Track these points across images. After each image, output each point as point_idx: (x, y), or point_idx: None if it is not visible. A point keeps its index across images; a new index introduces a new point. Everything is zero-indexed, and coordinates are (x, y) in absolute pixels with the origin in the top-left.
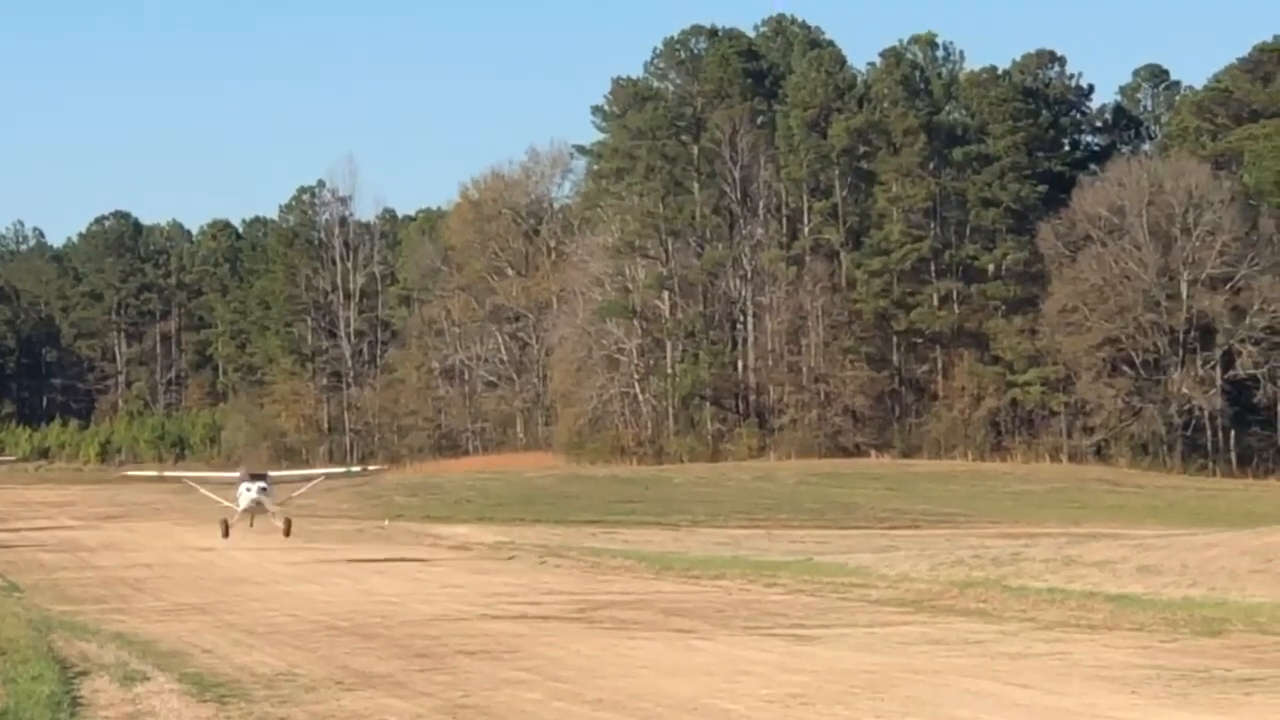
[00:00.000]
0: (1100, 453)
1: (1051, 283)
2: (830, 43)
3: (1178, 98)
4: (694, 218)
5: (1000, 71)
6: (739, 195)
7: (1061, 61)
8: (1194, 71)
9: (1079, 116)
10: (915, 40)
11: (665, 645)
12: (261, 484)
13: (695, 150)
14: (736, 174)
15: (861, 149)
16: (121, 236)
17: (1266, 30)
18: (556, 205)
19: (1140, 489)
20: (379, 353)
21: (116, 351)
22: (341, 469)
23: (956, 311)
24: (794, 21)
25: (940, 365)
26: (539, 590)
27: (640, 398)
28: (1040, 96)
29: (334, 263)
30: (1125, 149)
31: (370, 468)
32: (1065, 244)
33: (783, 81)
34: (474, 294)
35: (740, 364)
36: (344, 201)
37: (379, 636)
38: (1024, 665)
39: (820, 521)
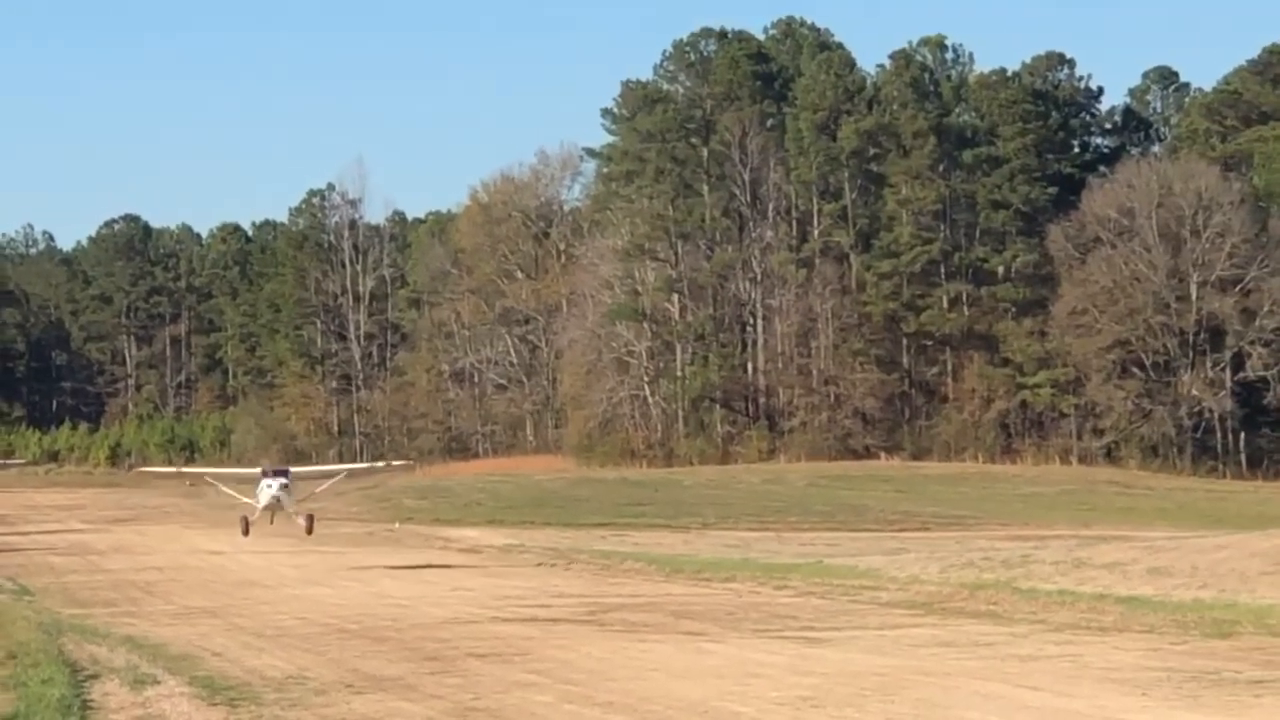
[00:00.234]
0: (1110, 455)
1: (1061, 285)
2: (839, 45)
3: (1187, 100)
4: (704, 220)
5: (1010, 73)
6: (749, 198)
7: (1071, 64)
8: (1203, 73)
9: (1088, 118)
10: (925, 42)
11: (675, 648)
12: (283, 480)
13: (705, 153)
14: (746, 176)
15: (871, 151)
16: (131, 240)
17: (1276, 32)
18: (566, 208)
19: (1150, 491)
20: (389, 355)
21: (126, 355)
22: (365, 464)
23: (966, 314)
24: (803, 24)
25: (950, 367)
26: (549, 593)
27: (650, 400)
28: (1050, 98)
29: (344, 266)
30: (1135, 151)
31: (395, 463)
32: (1075, 246)
33: (792, 84)
34: (484, 297)
35: (750, 366)
36: (354, 204)
37: (389, 639)
38: (1034, 667)
39: (830, 524)
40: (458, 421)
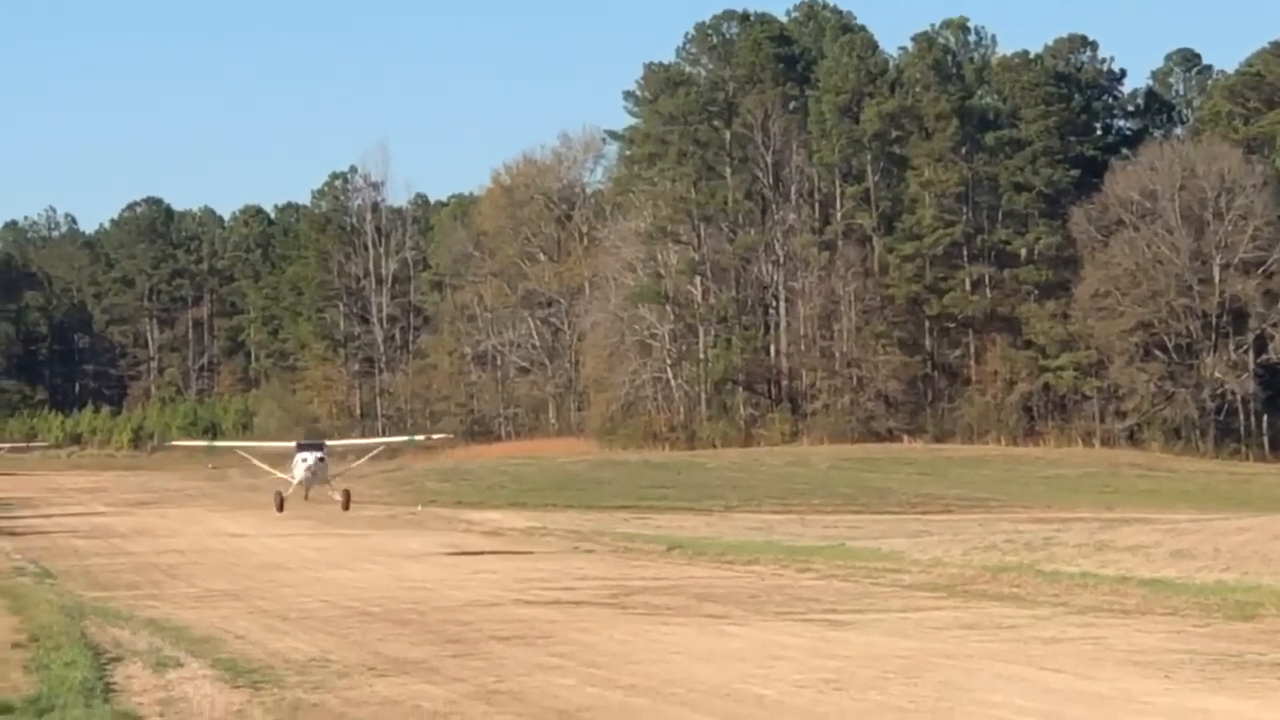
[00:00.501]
0: (1133, 437)
1: (1084, 267)
2: (862, 27)
3: (1210, 82)
4: (726, 203)
5: (1032, 56)
6: (771, 180)
7: (1093, 46)
8: (1226, 56)
9: (1111, 101)
10: (947, 25)
11: (698, 631)
12: (319, 454)
13: (727, 135)
14: (768, 159)
15: (893, 134)
16: (154, 222)
17: None
18: (589, 190)
19: (1173, 473)
20: (411, 338)
21: (149, 337)
22: (404, 437)
23: (989, 296)
24: (825, 6)
25: (973, 350)
26: (572, 576)
27: (673, 383)
28: (1072, 81)
29: (366, 248)
30: (1157, 133)
31: (434, 436)
32: (1097, 228)
33: (815, 66)
34: (506, 279)
35: (773, 349)
36: (376, 187)
37: (411, 622)
38: (1057, 650)
39: (853, 506)
40: (480, 404)
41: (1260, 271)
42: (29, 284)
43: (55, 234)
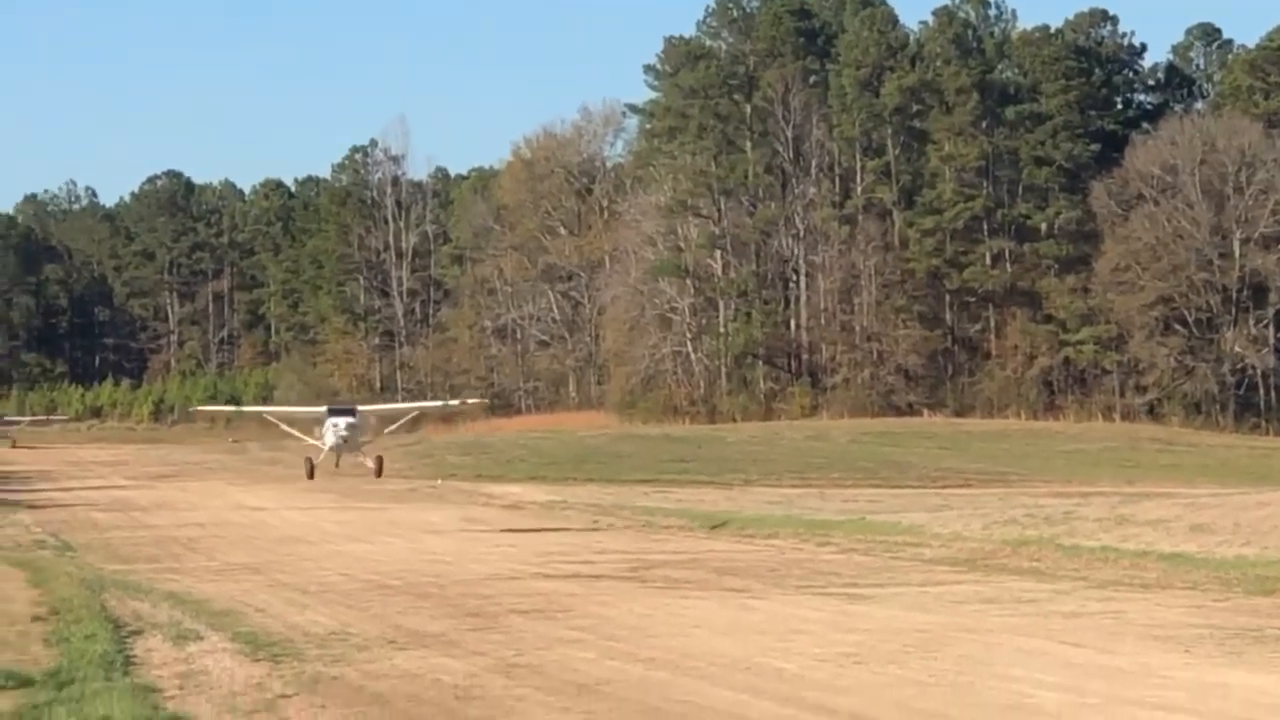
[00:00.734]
0: (1153, 412)
1: (1104, 241)
2: (882, 1)
3: (1230, 56)
4: (746, 177)
5: (1053, 30)
6: (791, 154)
7: (1114, 20)
8: (1246, 30)
9: (1131, 75)
10: None
11: (718, 604)
12: (350, 419)
13: (748, 109)
14: (789, 133)
15: (914, 108)
16: (174, 196)
17: None
18: (609, 164)
19: (1193, 448)
20: (431, 312)
21: (169, 311)
22: (438, 402)
23: (1009, 270)
24: None
25: (993, 324)
26: (591, 549)
27: (693, 357)
28: (1093, 55)
29: (386, 222)
30: (1178, 108)
31: (469, 400)
32: (1118, 203)
33: (835, 40)
34: (526, 253)
35: (793, 323)
36: (396, 161)
37: (431, 596)
38: (1077, 624)
39: (873, 480)
40: (500, 378)
41: None
42: (49, 257)
43: (75, 207)
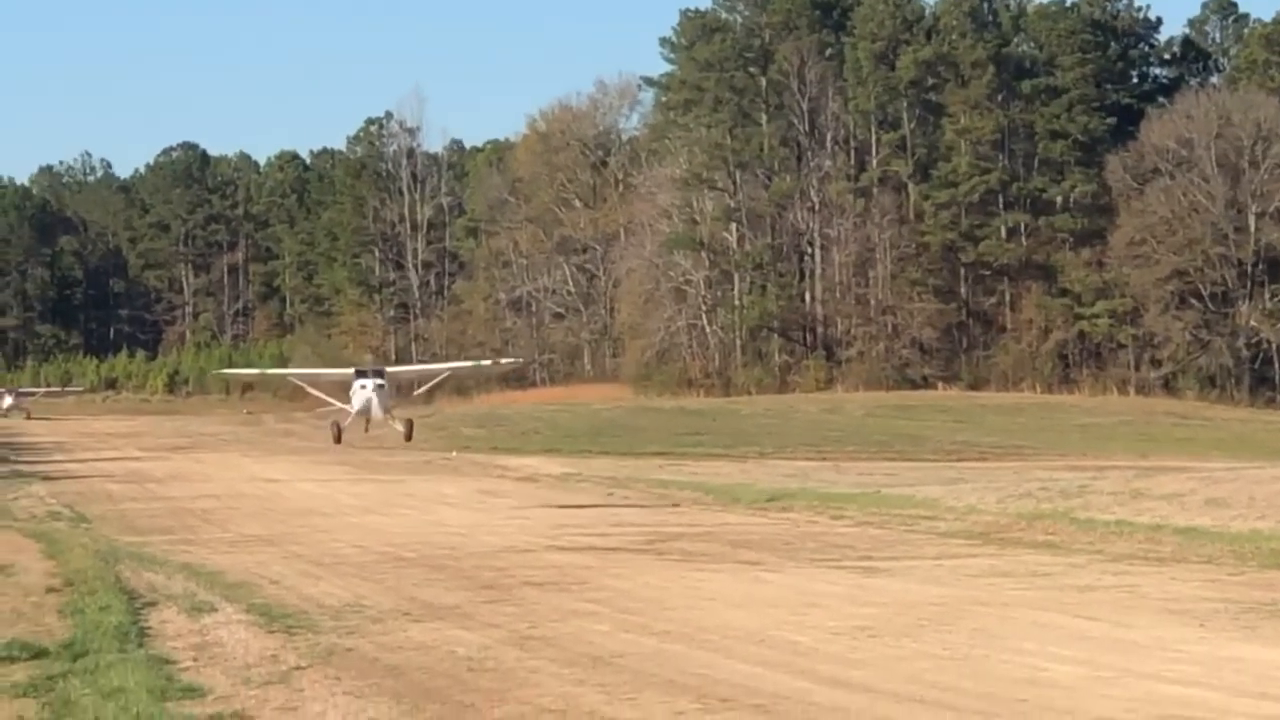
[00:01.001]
0: (1168, 385)
1: (1119, 215)
2: None
3: (1246, 30)
4: (761, 150)
5: (1068, 3)
6: (807, 127)
7: None
8: (1263, 4)
9: (1147, 49)
10: None
11: (733, 577)
12: (378, 381)
13: (763, 82)
14: (804, 106)
15: (929, 81)
16: (189, 167)
17: None
18: (624, 137)
19: (1208, 422)
20: (446, 284)
21: (184, 282)
22: (470, 362)
23: (1024, 244)
24: None
25: (1008, 298)
26: (607, 522)
27: (707, 330)
28: (1108, 29)
29: (401, 194)
30: (1194, 82)
31: (502, 360)
32: (1133, 176)
33: (851, 13)
34: (541, 225)
35: (808, 296)
36: (412, 133)
37: (446, 568)
38: (1091, 598)
39: (888, 453)
40: (515, 350)
41: None
42: (64, 228)
43: (90, 179)
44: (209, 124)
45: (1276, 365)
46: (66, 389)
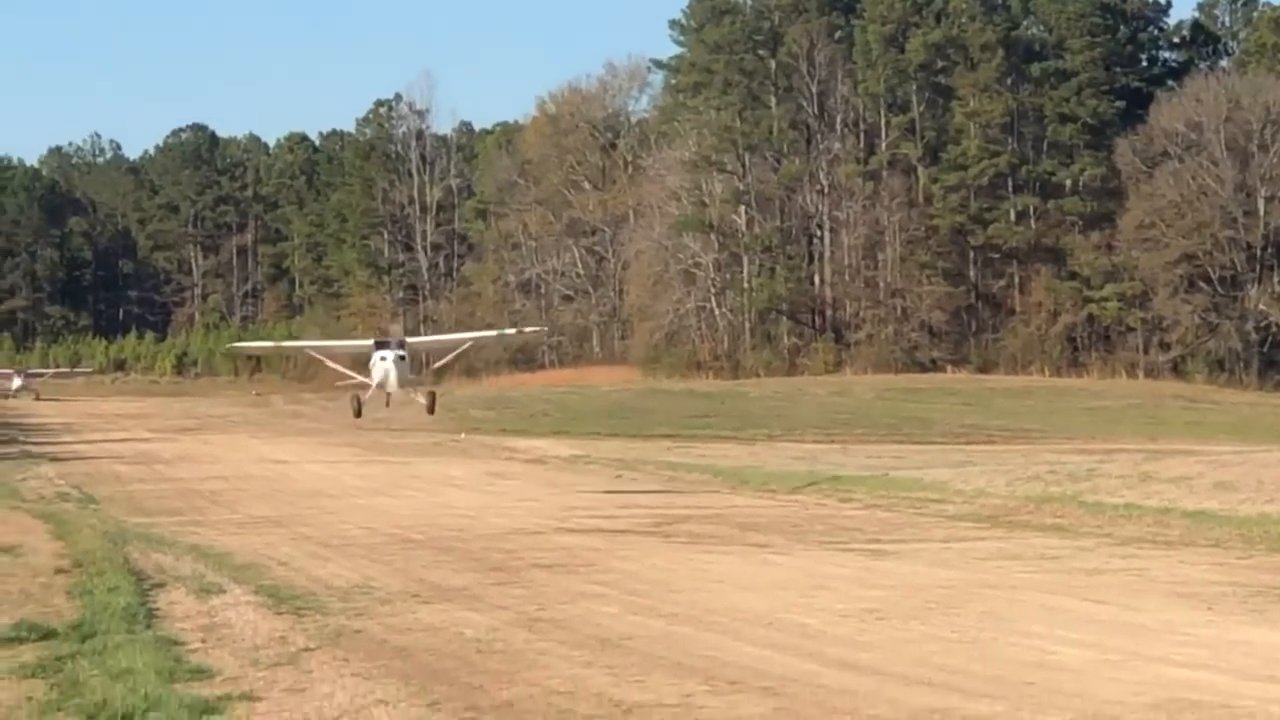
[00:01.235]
0: (1177, 369)
1: (1128, 198)
2: None
3: (1255, 14)
4: (771, 132)
5: None
6: (816, 110)
7: None
8: None
9: (1157, 32)
10: None
11: (741, 560)
12: (399, 352)
13: (773, 65)
14: (814, 89)
15: (939, 64)
16: (198, 149)
17: None
18: (633, 119)
19: (1216, 405)
20: (455, 266)
21: (193, 264)
22: (493, 332)
23: (1033, 227)
24: None
25: (1017, 281)
26: (615, 504)
27: (716, 312)
28: (1118, 12)
29: (411, 176)
30: (1203, 65)
31: (526, 329)
32: (1143, 160)
33: None
34: (550, 208)
35: (817, 279)
36: (421, 115)
37: (454, 550)
38: (1100, 581)
39: (896, 436)
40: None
41: None
42: (74, 210)
43: (100, 160)
44: (218, 105)
45: None
46: (75, 370)
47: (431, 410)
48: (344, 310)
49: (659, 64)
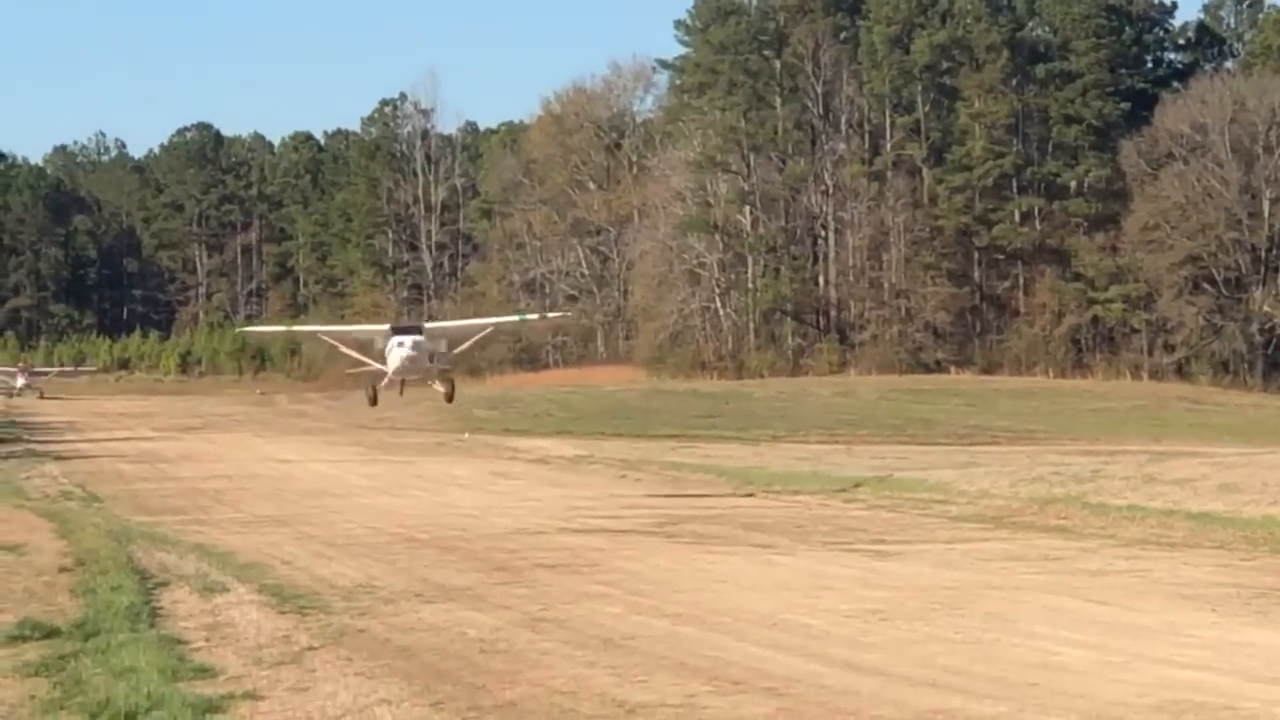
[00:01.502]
0: (1181, 370)
1: (1133, 200)
2: None
3: (1261, 16)
4: (776, 133)
5: None
6: (821, 110)
7: None
8: None
9: (1162, 34)
10: None
11: (745, 560)
12: (416, 338)
13: (778, 65)
14: (819, 89)
15: (944, 65)
16: (203, 148)
17: None
18: (638, 119)
19: (1221, 407)
20: (460, 265)
21: (197, 263)
22: (514, 317)
23: (1038, 228)
24: None
25: (1021, 282)
26: (618, 504)
27: (721, 312)
28: (1123, 13)
29: (415, 175)
30: (1208, 67)
31: (550, 314)
32: (1147, 161)
33: None
34: (555, 207)
35: (821, 279)
36: (426, 114)
37: (458, 549)
38: (1103, 582)
39: (900, 437)
40: (530, 331)
41: None
42: (78, 208)
43: (105, 158)
44: (223, 104)
45: None
46: (80, 369)
47: (450, 398)
48: (348, 310)
49: (664, 64)
